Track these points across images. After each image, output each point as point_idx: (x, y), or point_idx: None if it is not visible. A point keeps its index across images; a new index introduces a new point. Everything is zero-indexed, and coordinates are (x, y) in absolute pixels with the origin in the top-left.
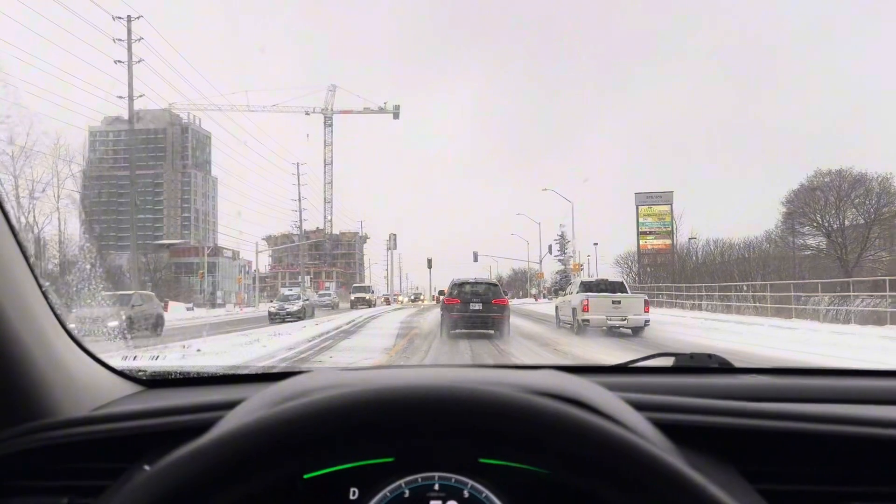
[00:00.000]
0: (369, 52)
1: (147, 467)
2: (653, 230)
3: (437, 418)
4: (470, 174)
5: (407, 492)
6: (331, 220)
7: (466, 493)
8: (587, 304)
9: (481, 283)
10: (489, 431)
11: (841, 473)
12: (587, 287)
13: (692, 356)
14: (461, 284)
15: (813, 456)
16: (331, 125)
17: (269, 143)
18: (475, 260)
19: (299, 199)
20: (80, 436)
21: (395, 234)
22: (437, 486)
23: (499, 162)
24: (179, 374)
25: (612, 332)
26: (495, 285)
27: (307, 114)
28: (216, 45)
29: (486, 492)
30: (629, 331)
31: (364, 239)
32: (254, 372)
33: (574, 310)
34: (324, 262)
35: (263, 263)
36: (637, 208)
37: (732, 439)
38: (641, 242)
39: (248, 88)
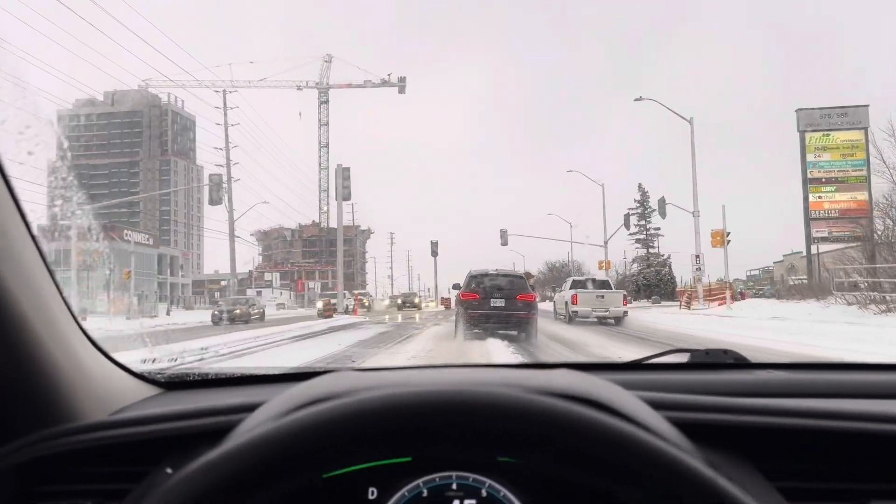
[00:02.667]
0: (369, 20)
1: (169, 470)
2: (833, 175)
3: (455, 422)
4: (486, 159)
5: (425, 491)
6: (327, 212)
7: (484, 492)
8: (576, 299)
9: (504, 275)
10: (507, 434)
11: (860, 470)
12: (576, 284)
13: (707, 352)
14: (480, 277)
15: (832, 453)
16: (326, 101)
17: (257, 127)
18: (503, 242)
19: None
20: (101, 440)
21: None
22: (454, 486)
23: (516, 145)
24: (198, 375)
25: (600, 322)
26: (521, 278)
27: (299, 89)
28: (193, 14)
29: (504, 490)
30: (614, 321)
31: (367, 234)
32: (272, 373)
33: (566, 303)
34: (320, 259)
35: (246, 261)
36: (803, 138)
37: (750, 437)
38: (814, 198)
39: (231, 62)
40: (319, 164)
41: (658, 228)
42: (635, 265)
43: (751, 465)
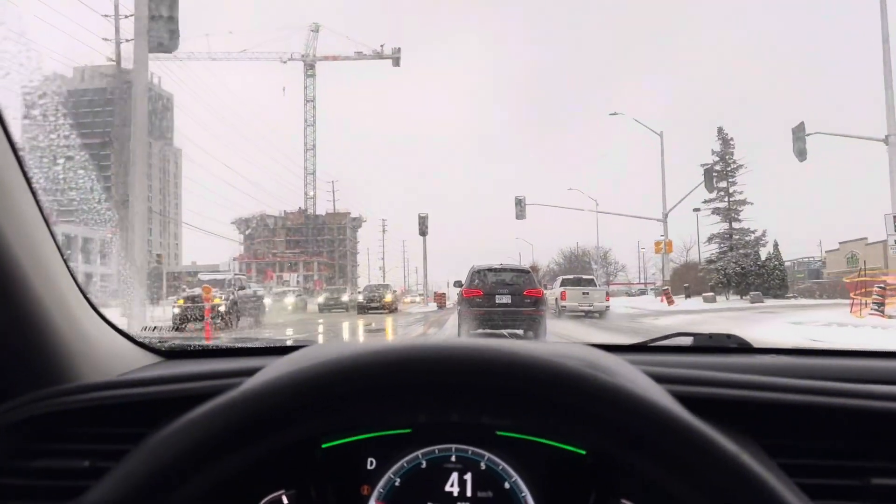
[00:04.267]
0: None
1: None
2: None
3: (471, 381)
4: (491, 137)
5: (424, 462)
6: (314, 198)
7: (483, 465)
8: (565, 295)
9: (509, 269)
10: (522, 391)
11: (862, 447)
12: (565, 282)
13: (711, 336)
14: (483, 272)
15: (834, 430)
16: (313, 75)
17: (238, 105)
18: (519, 214)
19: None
20: (100, 400)
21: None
22: (453, 458)
23: (525, 119)
24: (198, 346)
25: (585, 315)
26: (527, 272)
27: (283, 61)
28: None
29: (503, 464)
30: (598, 314)
31: (358, 223)
32: (274, 345)
33: (556, 299)
34: (307, 250)
35: (226, 252)
36: None
37: (753, 413)
38: None
39: (208, 32)
40: (305, 145)
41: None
42: (714, 246)
43: (753, 440)
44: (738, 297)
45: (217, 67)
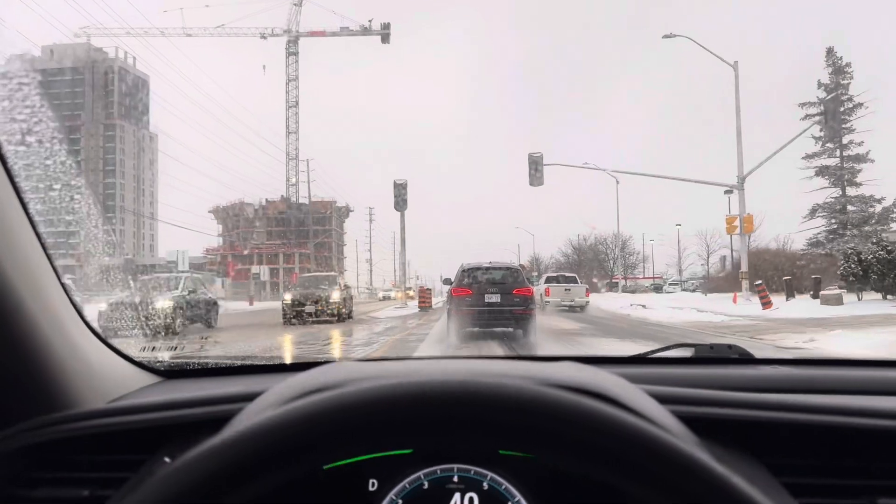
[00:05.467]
0: None
1: (167, 459)
2: None
3: (458, 413)
4: (487, 120)
5: (426, 483)
6: (296, 184)
7: (486, 485)
8: (549, 291)
9: (498, 268)
10: (513, 426)
11: (868, 467)
12: (549, 279)
13: (712, 347)
14: (472, 270)
15: (839, 449)
16: (296, 53)
17: (214, 87)
18: (535, 180)
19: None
20: (99, 428)
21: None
22: (455, 478)
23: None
24: (198, 364)
25: (568, 310)
26: (517, 271)
27: (263, 37)
28: None
29: (506, 483)
30: (579, 308)
31: (345, 212)
32: (273, 363)
33: (541, 295)
34: (288, 241)
35: (202, 244)
36: None
37: (756, 432)
38: None
39: (183, 5)
40: (287, 128)
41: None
42: (818, 222)
43: (756, 460)
44: (882, 295)
45: (192, 45)
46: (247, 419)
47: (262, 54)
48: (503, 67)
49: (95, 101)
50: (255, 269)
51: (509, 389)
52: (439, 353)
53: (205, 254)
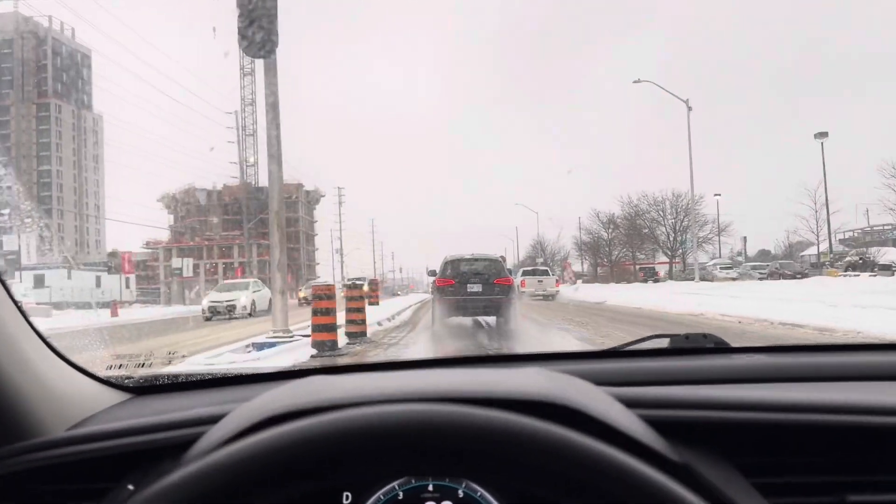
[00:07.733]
0: None
1: (131, 487)
2: None
3: (419, 447)
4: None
5: (401, 494)
6: (255, 164)
7: (461, 493)
8: (524, 282)
9: (480, 259)
10: (472, 453)
11: (838, 463)
12: (524, 273)
13: (687, 337)
14: (456, 262)
15: (809, 446)
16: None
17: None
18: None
19: None
20: (59, 458)
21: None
22: (430, 487)
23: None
24: (168, 378)
25: (542, 299)
26: (497, 261)
27: None
28: None
29: (482, 490)
30: (550, 297)
31: (314, 197)
32: (245, 373)
33: (517, 286)
34: (250, 230)
35: (144, 237)
36: None
37: (727, 432)
38: None
39: None
40: (242, 99)
41: None
42: None
43: (727, 461)
44: None
45: (136, 11)
46: (199, 452)
47: (212, 14)
48: (489, 41)
49: (26, 77)
50: (175, 262)
51: (466, 418)
52: (423, 341)
53: (145, 247)
